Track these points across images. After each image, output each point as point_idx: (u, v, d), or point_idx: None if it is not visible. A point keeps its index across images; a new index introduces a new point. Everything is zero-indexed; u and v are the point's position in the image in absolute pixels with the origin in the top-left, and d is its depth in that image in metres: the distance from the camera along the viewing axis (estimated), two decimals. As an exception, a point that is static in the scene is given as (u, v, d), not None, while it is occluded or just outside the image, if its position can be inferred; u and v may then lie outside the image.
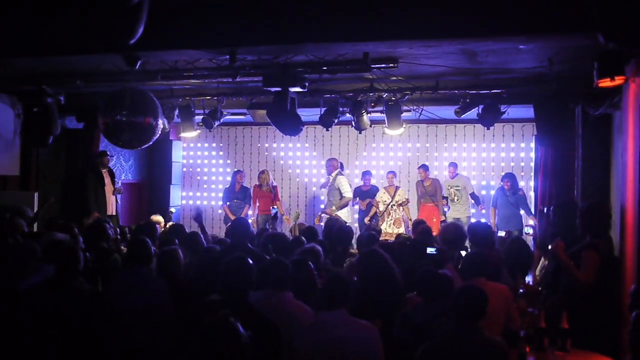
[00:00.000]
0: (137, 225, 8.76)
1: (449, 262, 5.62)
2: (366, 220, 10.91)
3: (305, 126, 8.41)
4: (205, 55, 7.03)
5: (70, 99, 9.35)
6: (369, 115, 9.42)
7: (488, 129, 9.66)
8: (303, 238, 6.50)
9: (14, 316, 4.10)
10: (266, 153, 13.63)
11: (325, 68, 7.27)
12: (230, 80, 7.75)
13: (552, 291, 5.55)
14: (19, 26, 6.43)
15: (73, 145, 10.85)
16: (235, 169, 12.42)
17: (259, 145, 13.67)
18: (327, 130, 9.70)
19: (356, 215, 11.82)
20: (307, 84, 7.46)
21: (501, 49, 6.66)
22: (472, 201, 11.19)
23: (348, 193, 10.77)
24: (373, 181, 11.54)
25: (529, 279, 6.86)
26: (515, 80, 8.21)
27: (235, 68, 7.26)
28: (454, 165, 11.31)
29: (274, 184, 11.88)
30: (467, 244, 6.34)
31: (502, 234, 8.78)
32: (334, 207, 10.67)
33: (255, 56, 7.08)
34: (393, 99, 9.02)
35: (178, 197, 13.65)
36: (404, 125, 9.64)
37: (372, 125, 10.05)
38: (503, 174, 11.04)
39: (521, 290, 5.32)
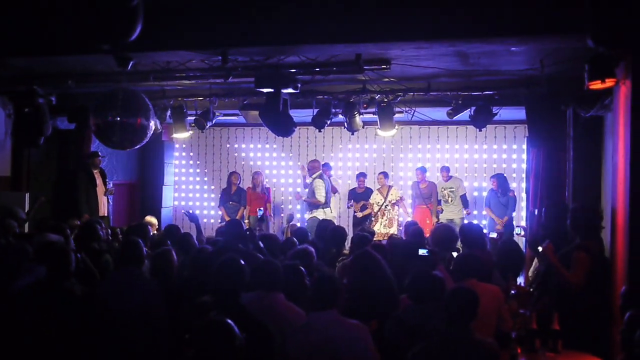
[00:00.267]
0: (128, 226, 8.74)
1: (441, 263, 5.63)
2: (358, 214, 10.99)
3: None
4: (197, 56, 7.02)
5: (62, 100, 9.32)
6: (361, 116, 9.43)
7: (480, 130, 9.71)
8: (295, 239, 6.49)
9: (5, 317, 4.09)
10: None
11: (317, 69, 7.27)
12: (223, 81, 7.75)
13: (544, 292, 5.57)
14: (13, 26, 6.41)
15: (64, 146, 10.80)
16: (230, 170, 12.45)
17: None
18: (320, 131, 9.72)
19: (349, 217, 11.85)
20: (299, 85, 7.46)
21: (493, 51, 6.68)
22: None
23: (321, 197, 10.70)
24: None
25: (520, 280, 6.88)
26: (507, 82, 8.24)
27: (227, 69, 7.25)
28: (446, 169, 11.34)
29: (267, 185, 11.88)
30: (458, 245, 6.35)
31: (493, 235, 8.82)
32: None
33: (247, 57, 7.08)
34: (385, 100, 9.03)
35: (170, 198, 13.61)
36: (396, 127, 9.66)
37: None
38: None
39: (513, 292, 5.33)
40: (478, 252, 5.56)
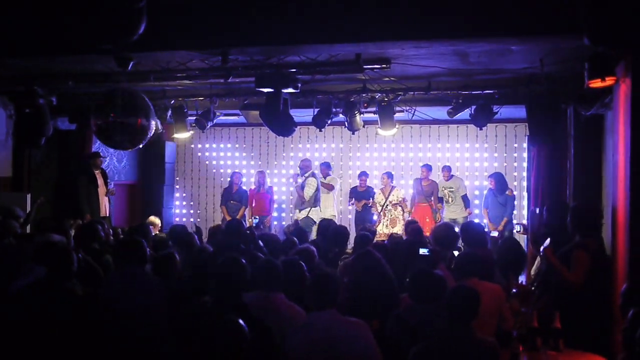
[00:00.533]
0: (130, 226, 8.74)
1: (441, 262, 5.63)
2: (358, 208, 11.13)
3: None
4: (198, 56, 7.02)
5: (63, 100, 9.32)
6: (362, 116, 9.43)
7: (480, 129, 9.70)
8: (295, 239, 6.49)
9: (4, 317, 4.09)
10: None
11: (317, 69, 7.27)
12: (223, 81, 7.75)
13: (545, 290, 5.57)
14: (13, 26, 6.42)
15: (65, 146, 10.82)
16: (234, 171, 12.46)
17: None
18: (322, 130, 9.72)
19: (350, 216, 11.86)
20: (299, 84, 7.46)
21: (493, 50, 6.68)
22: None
23: (307, 195, 10.90)
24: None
25: (521, 278, 6.87)
26: (508, 80, 8.23)
27: (227, 69, 7.25)
28: (447, 169, 11.33)
29: (268, 185, 11.89)
30: (460, 244, 6.36)
31: (494, 234, 8.82)
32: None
33: (247, 57, 7.08)
34: (386, 99, 9.03)
35: (171, 199, 13.58)
36: (396, 126, 9.67)
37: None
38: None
39: (514, 290, 5.33)
40: (479, 250, 5.57)
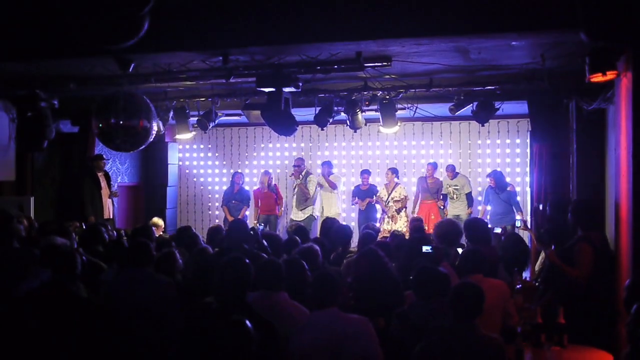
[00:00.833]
0: (134, 228, 8.75)
1: (445, 259, 5.63)
2: (361, 207, 11.17)
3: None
4: (198, 57, 7.03)
5: (65, 103, 9.32)
6: (363, 114, 9.43)
7: (483, 125, 9.69)
8: (297, 238, 6.49)
9: (9, 320, 4.10)
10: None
11: (318, 68, 7.27)
12: (224, 81, 7.75)
13: (549, 286, 5.57)
14: (14, 30, 6.43)
15: (68, 149, 10.83)
16: (235, 171, 12.49)
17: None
18: (322, 129, 9.73)
19: (353, 214, 11.85)
20: (300, 84, 7.46)
21: (493, 46, 6.66)
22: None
23: (312, 191, 11.13)
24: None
25: (525, 274, 6.87)
26: (509, 76, 8.22)
27: (228, 69, 7.25)
28: (452, 167, 11.32)
29: (273, 183, 11.91)
30: (463, 241, 6.35)
31: (498, 230, 8.81)
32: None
33: (248, 57, 7.08)
34: (387, 97, 9.02)
35: (174, 200, 13.61)
36: (398, 124, 9.66)
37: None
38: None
39: (518, 286, 5.33)
40: (483, 247, 5.57)
